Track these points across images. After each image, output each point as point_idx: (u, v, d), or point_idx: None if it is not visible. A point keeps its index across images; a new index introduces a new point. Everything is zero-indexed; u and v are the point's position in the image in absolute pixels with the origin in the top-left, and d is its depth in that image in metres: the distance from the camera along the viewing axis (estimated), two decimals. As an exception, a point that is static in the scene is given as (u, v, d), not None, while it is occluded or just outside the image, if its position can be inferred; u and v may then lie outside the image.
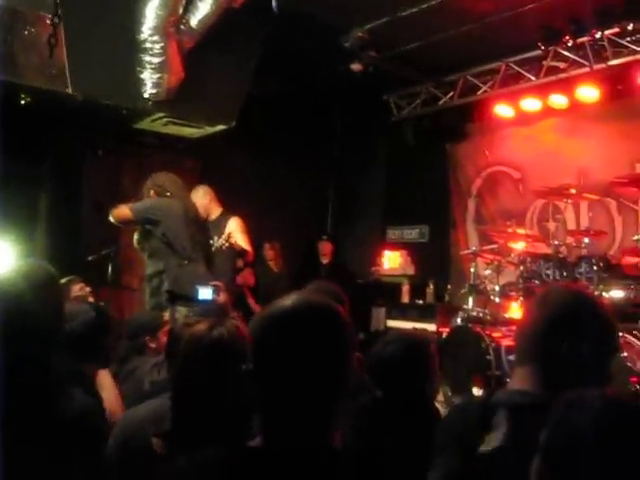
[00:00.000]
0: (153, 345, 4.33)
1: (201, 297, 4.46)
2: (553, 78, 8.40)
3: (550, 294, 2.20)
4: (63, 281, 4.94)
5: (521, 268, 7.05)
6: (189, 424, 2.24)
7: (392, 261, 10.33)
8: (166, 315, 5.19)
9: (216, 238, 6.50)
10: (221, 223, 6.85)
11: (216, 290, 4.49)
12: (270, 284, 8.82)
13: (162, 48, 6.67)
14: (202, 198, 6.76)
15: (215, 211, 6.96)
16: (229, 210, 7.12)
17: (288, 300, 1.66)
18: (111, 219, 5.97)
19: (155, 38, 6.62)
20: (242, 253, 6.78)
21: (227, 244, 6.38)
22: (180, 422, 2.28)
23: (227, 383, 2.22)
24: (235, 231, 6.71)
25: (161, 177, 6.22)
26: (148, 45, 6.64)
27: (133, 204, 5.97)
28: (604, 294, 6.35)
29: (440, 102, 9.79)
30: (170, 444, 2.22)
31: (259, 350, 1.64)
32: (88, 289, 5.33)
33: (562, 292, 2.23)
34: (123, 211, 5.91)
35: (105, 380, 3.57)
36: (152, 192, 6.10)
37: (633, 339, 5.95)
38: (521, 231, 7.56)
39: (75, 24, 6.27)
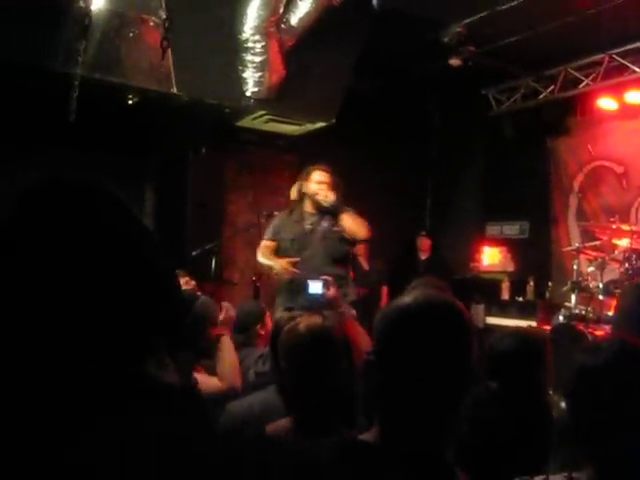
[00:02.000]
0: (263, 332, 4.44)
1: (312, 291, 4.50)
2: (659, 69, 8.15)
3: None
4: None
5: (626, 265, 6.86)
6: (302, 415, 2.30)
7: (491, 257, 10.21)
8: None
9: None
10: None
11: (326, 284, 4.52)
12: (359, 280, 8.85)
13: (263, 47, 6.80)
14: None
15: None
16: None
17: (410, 296, 1.67)
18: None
19: (257, 37, 6.76)
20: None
21: None
22: (294, 413, 2.34)
23: (329, 375, 2.26)
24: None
25: None
26: (250, 44, 6.79)
27: None
28: None
29: (540, 96, 9.60)
30: (286, 434, 2.29)
31: (382, 344, 1.65)
32: (193, 283, 5.48)
33: None
34: None
35: (226, 344, 3.71)
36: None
37: None
38: (625, 227, 7.33)
39: (179, 25, 6.46)
